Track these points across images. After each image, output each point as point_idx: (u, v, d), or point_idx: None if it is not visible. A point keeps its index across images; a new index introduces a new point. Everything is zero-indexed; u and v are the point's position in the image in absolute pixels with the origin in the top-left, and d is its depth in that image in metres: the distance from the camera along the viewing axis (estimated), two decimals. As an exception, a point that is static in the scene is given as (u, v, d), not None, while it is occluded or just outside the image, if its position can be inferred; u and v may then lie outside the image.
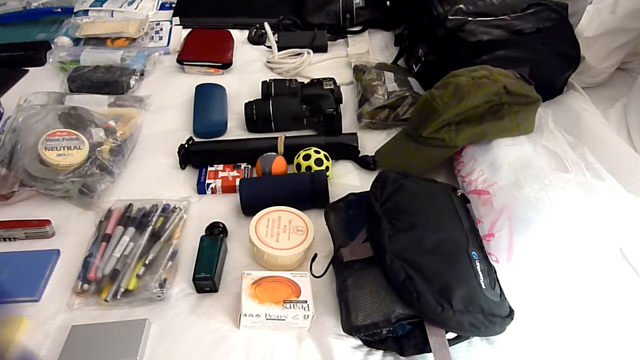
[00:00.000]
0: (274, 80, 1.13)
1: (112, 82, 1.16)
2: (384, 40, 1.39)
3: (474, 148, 0.90)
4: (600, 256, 0.79)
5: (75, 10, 1.41)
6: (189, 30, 1.39)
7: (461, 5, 1.06)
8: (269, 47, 1.34)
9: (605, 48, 1.10)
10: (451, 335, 0.68)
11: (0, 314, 0.72)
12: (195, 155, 0.99)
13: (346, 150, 1.01)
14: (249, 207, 0.88)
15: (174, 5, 1.51)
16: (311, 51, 1.29)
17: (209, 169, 0.97)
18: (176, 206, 0.89)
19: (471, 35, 1.01)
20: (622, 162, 0.90)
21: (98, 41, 1.33)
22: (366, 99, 1.08)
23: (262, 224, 0.82)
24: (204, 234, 0.84)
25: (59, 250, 0.83)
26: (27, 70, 1.27)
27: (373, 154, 1.01)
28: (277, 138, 1.01)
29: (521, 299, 0.73)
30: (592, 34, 1.08)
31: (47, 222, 0.86)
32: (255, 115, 1.06)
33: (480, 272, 0.69)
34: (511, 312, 0.69)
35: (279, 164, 0.95)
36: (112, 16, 1.41)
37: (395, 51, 1.30)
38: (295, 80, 1.14)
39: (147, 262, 0.79)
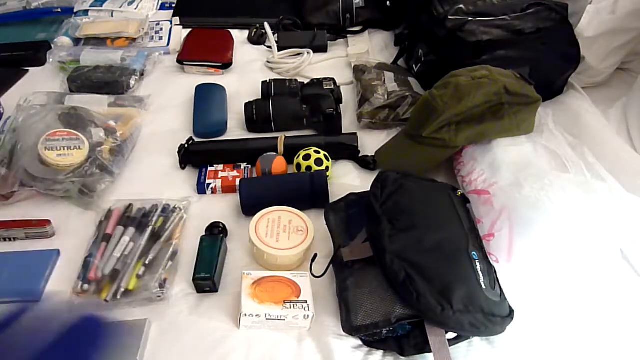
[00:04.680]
0: (274, 80, 1.13)
1: (112, 82, 1.16)
2: (384, 40, 1.39)
3: (474, 148, 0.90)
4: (600, 256, 0.79)
5: (75, 10, 1.41)
6: (189, 30, 1.39)
7: (461, 5, 1.06)
8: (269, 47, 1.34)
9: (605, 48, 1.10)
10: (451, 335, 0.68)
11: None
12: (195, 155, 0.99)
13: (346, 150, 1.01)
14: (249, 207, 0.88)
15: (174, 5, 1.51)
16: (311, 51, 1.29)
17: (209, 169, 0.97)
18: (176, 206, 0.89)
19: (471, 35, 1.01)
20: (622, 162, 0.90)
21: (98, 41, 1.33)
22: (366, 99, 1.08)
23: (262, 224, 0.82)
24: (204, 234, 0.84)
25: (59, 250, 0.83)
26: (27, 70, 1.27)
27: (373, 154, 1.01)
28: (277, 138, 1.00)
29: (521, 299, 0.73)
30: (592, 34, 1.08)
31: (47, 222, 0.86)
32: (255, 115, 1.06)
33: (480, 272, 0.69)
34: (511, 312, 0.69)
35: (279, 164, 0.95)
36: (112, 16, 1.41)
37: (395, 51, 1.30)
38: (295, 80, 1.14)
39: (147, 262, 0.79)
